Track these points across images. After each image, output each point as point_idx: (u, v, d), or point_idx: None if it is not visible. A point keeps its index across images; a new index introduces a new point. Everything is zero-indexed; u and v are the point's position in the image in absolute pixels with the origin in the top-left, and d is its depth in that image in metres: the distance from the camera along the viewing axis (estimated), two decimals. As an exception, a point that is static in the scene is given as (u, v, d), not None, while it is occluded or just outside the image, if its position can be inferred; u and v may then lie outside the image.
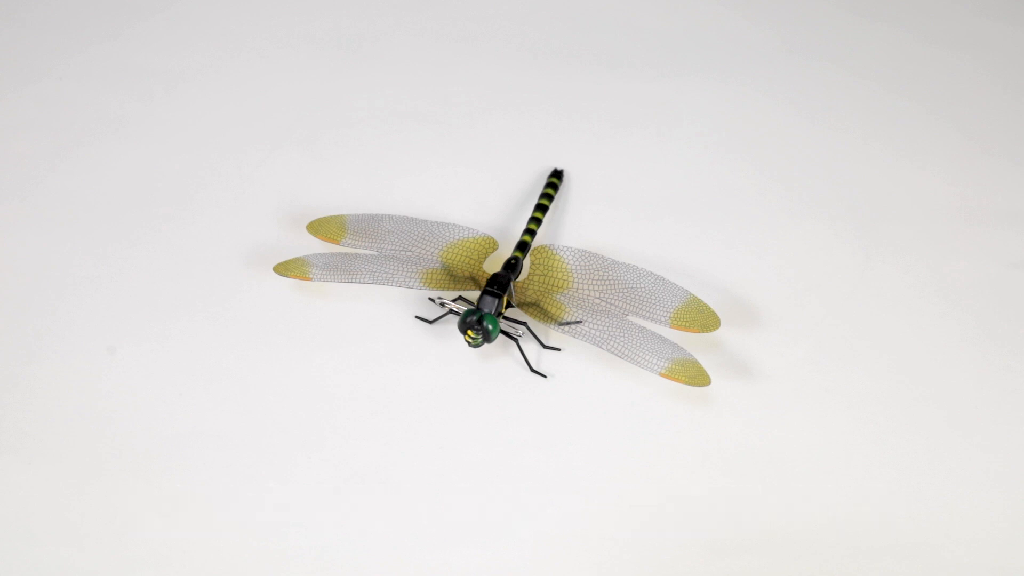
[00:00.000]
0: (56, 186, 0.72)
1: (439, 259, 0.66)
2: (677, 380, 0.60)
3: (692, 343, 0.62)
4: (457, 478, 0.60)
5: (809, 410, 0.62)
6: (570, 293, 0.64)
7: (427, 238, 0.67)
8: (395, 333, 0.65)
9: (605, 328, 0.62)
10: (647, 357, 0.61)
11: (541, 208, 0.69)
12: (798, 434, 0.61)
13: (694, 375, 0.60)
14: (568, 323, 0.63)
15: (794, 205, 0.71)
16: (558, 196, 0.71)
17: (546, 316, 0.63)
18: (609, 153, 0.74)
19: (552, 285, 0.65)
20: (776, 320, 0.65)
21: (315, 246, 0.67)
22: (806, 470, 0.60)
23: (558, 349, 0.64)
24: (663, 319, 0.62)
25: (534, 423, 0.62)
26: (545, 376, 0.63)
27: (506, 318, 0.64)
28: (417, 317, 0.65)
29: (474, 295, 0.64)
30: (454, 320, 0.65)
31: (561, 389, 0.63)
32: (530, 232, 0.68)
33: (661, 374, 0.60)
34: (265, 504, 0.59)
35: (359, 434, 0.62)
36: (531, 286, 0.65)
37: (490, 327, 0.61)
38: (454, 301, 0.64)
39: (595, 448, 0.61)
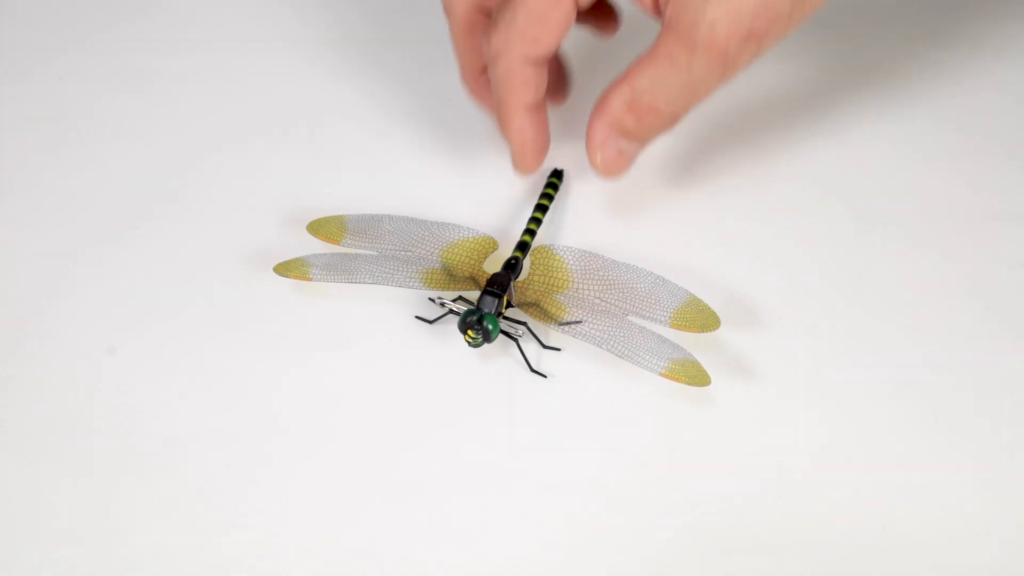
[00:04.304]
0: (56, 186, 0.72)
1: (439, 259, 0.66)
2: (677, 380, 0.60)
3: (692, 343, 0.62)
4: (457, 478, 0.60)
5: (809, 410, 0.62)
6: (570, 293, 0.64)
7: (427, 238, 0.67)
8: (395, 333, 0.65)
9: (605, 328, 0.62)
10: (647, 357, 0.61)
11: (541, 208, 0.69)
12: (798, 434, 0.61)
13: (694, 375, 0.60)
14: (568, 323, 0.62)
15: (794, 205, 0.71)
16: (558, 196, 0.71)
17: (546, 316, 0.63)
18: (609, 153, 0.74)
19: (552, 285, 0.65)
20: (776, 320, 0.65)
21: (315, 246, 0.67)
22: (806, 470, 0.60)
23: (558, 349, 0.64)
24: (663, 319, 0.62)
25: (534, 423, 0.62)
26: (545, 376, 0.63)
27: (506, 318, 0.64)
28: (417, 317, 0.65)
29: (474, 295, 0.64)
30: (454, 320, 0.65)
31: (561, 389, 0.63)
32: (530, 232, 0.68)
33: (661, 374, 0.60)
34: (265, 504, 0.59)
35: (359, 434, 0.62)
36: (531, 286, 0.65)
37: (490, 327, 0.61)
38: (454, 301, 0.64)
39: (595, 448, 0.61)
